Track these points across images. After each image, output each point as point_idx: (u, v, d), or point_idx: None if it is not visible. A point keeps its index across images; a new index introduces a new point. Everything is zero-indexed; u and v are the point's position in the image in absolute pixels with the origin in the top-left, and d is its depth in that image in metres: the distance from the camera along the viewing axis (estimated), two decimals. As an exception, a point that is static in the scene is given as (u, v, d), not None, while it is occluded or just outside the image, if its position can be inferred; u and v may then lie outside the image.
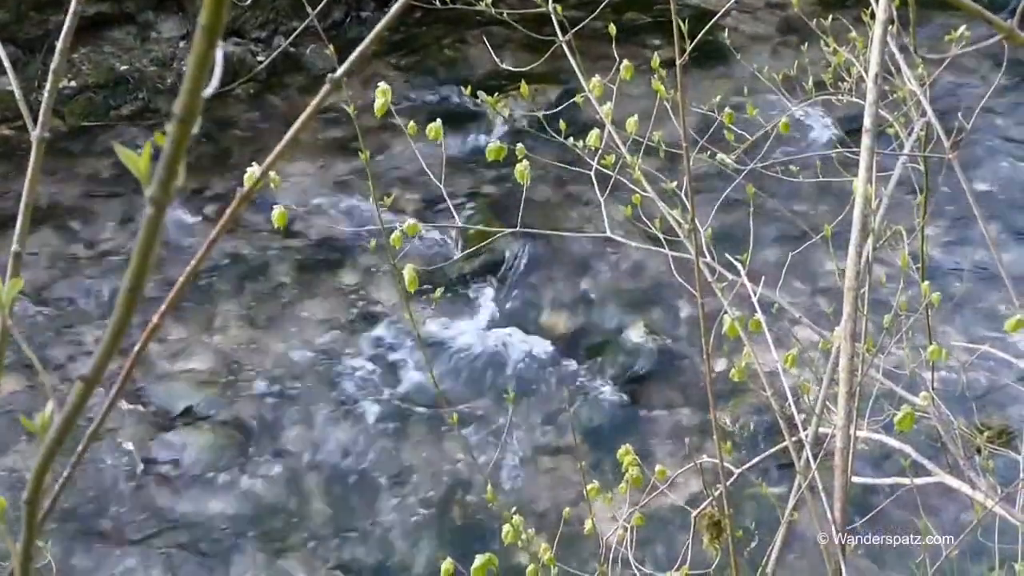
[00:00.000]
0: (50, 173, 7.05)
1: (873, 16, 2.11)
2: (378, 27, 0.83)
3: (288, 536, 5.16)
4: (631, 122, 2.59)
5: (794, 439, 2.34)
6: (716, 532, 2.98)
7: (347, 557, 5.09)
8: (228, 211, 0.83)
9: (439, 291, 2.71)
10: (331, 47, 2.47)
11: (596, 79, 2.57)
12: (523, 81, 2.84)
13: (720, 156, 3.16)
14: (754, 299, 2.40)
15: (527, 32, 3.40)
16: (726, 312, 2.31)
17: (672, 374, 5.97)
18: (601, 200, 2.72)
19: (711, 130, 3.25)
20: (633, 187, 2.68)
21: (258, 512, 5.26)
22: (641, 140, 2.79)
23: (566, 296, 6.43)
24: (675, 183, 2.81)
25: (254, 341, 6.12)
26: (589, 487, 2.48)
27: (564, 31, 2.69)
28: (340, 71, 0.86)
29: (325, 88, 0.88)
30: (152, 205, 0.58)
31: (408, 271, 2.27)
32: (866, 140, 1.93)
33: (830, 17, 3.56)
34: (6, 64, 1.52)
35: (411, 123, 2.48)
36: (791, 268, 3.22)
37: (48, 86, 1.16)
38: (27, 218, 1.14)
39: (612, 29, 2.87)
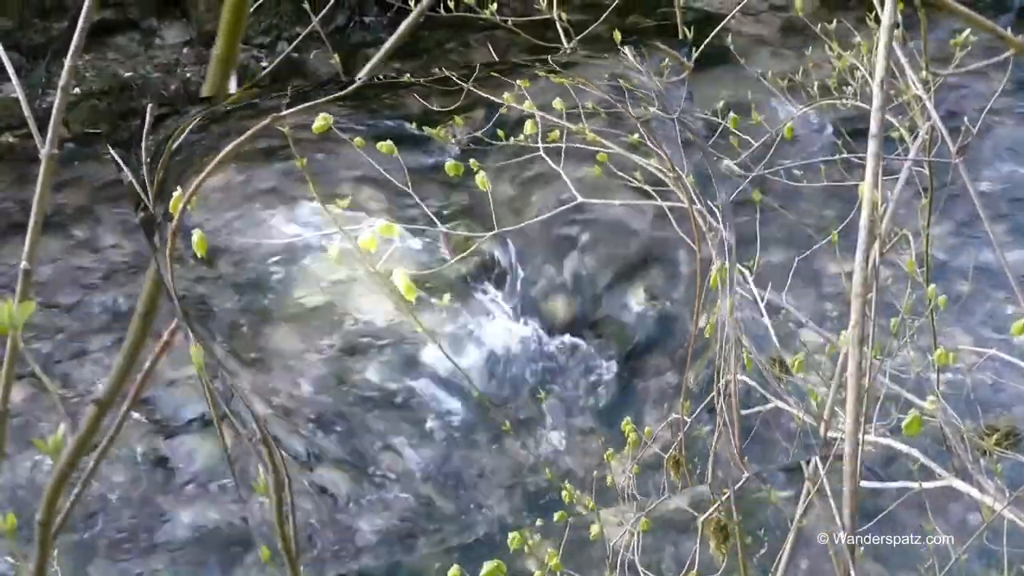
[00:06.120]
0: (53, 180, 7.05)
1: (878, 20, 2.10)
2: (383, 49, 0.83)
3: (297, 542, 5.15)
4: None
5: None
6: (723, 537, 2.97)
7: (356, 564, 5.09)
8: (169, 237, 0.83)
9: (446, 297, 2.67)
10: (336, 55, 2.48)
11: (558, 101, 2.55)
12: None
13: (727, 163, 3.15)
14: (761, 305, 2.40)
15: (528, 37, 3.39)
16: (726, 297, 2.30)
17: (668, 342, 5.94)
18: (560, 170, 2.64)
19: (716, 135, 3.24)
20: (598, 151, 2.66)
21: (267, 519, 5.26)
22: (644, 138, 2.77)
23: (559, 279, 6.41)
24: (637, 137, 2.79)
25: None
26: (595, 473, 2.46)
27: (568, 36, 2.69)
28: (285, 112, 0.86)
29: (263, 122, 0.87)
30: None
31: (402, 277, 2.08)
32: (872, 146, 1.93)
33: (834, 21, 3.55)
34: (11, 72, 1.51)
35: (358, 139, 2.19)
36: (796, 272, 3.21)
37: (56, 103, 1.16)
38: (36, 234, 1.14)
39: (617, 36, 2.87)
